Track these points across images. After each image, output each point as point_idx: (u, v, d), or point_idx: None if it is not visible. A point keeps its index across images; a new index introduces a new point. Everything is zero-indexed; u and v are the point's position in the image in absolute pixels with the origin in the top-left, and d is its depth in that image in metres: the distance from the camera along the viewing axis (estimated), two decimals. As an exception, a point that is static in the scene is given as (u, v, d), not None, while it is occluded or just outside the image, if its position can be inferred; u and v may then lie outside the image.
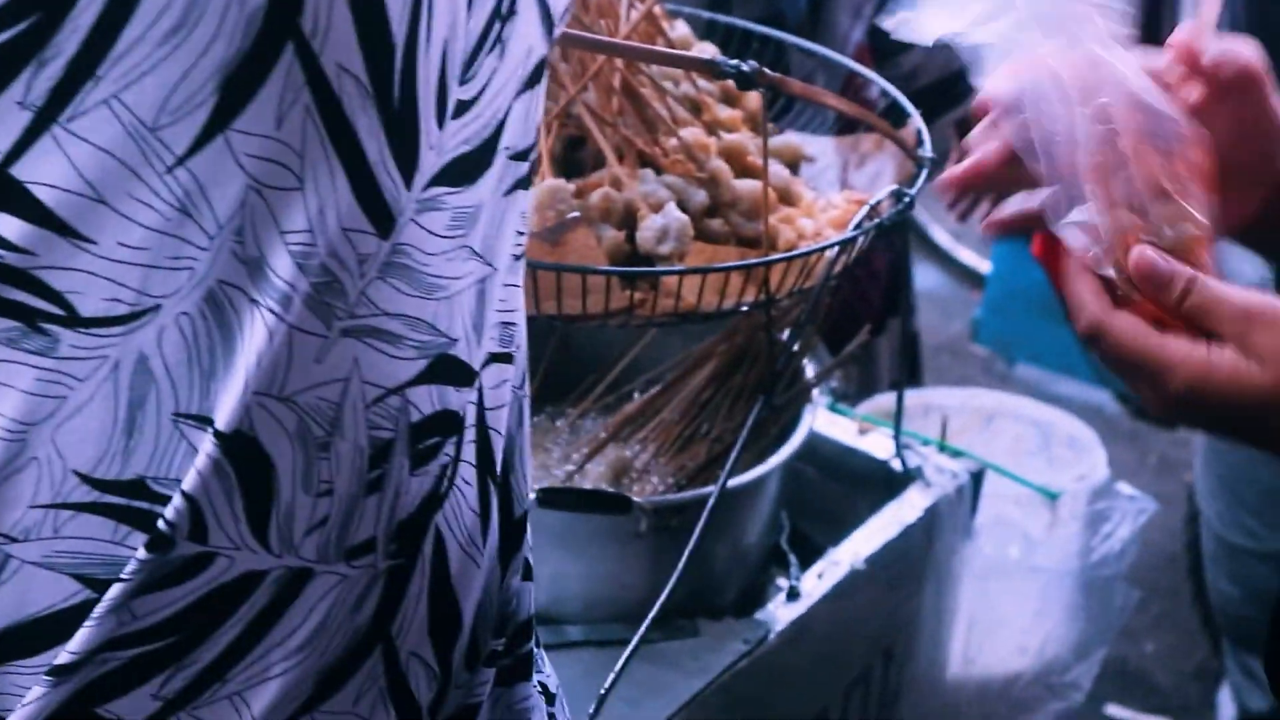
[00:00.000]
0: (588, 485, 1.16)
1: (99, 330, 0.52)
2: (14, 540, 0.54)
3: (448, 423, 0.61)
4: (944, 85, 1.71)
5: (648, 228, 0.89)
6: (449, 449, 0.62)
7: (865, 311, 1.56)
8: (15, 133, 0.49)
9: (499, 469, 0.66)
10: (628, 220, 0.91)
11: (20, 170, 0.49)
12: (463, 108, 0.54)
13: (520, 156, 0.59)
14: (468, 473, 0.64)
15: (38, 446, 0.53)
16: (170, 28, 0.48)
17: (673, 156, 0.97)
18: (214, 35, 0.48)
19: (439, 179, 0.55)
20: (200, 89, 0.49)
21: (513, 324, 0.64)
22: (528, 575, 0.71)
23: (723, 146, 0.97)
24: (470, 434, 0.63)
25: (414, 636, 0.63)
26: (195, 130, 0.49)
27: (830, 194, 1.05)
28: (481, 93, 0.55)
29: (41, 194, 0.50)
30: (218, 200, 0.50)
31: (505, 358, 0.64)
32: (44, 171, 0.50)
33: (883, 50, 1.69)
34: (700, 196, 0.94)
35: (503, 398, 0.64)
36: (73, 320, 0.52)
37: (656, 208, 0.90)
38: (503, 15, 0.55)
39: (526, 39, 0.56)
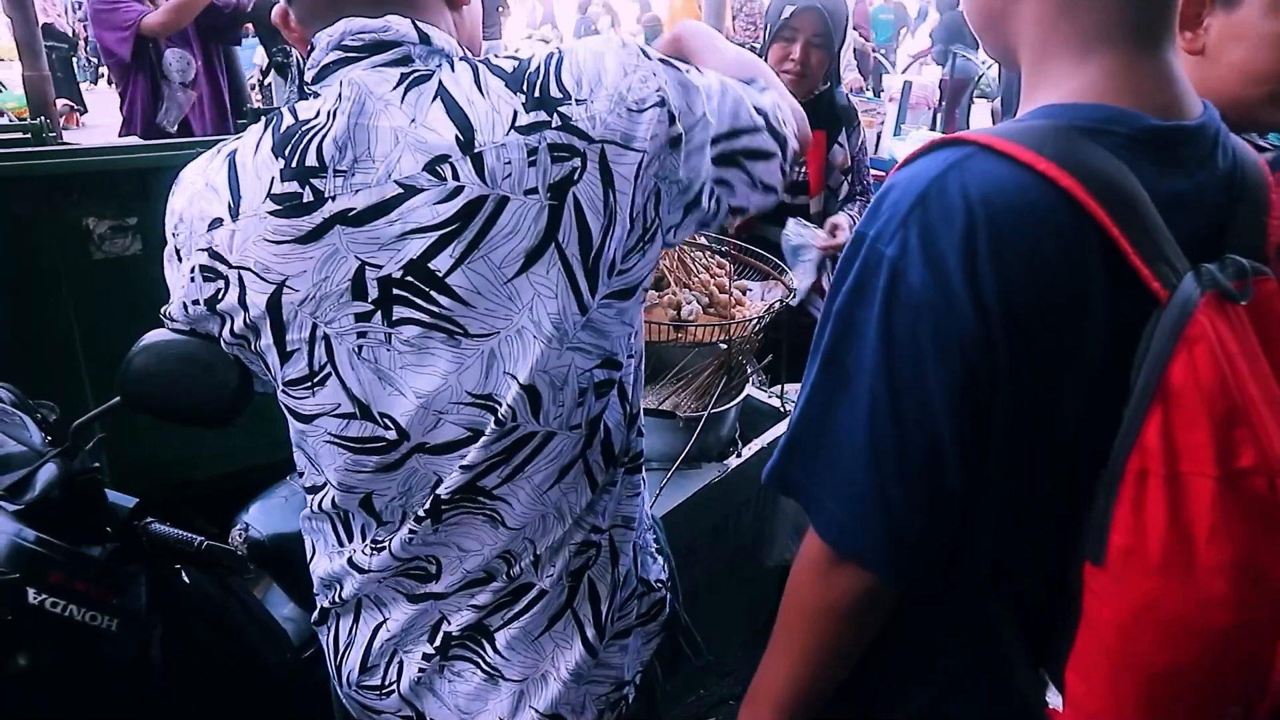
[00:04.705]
0: (664, 407, 1.89)
1: (477, 339, 0.86)
2: (442, 413, 0.89)
3: (609, 383, 0.95)
4: None
5: (685, 309, 2.00)
6: (610, 392, 0.97)
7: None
8: (449, 261, 0.83)
9: (630, 399, 1.01)
10: (677, 306, 1.99)
11: (449, 279, 0.84)
12: (622, 272, 0.89)
13: (646, 288, 0.96)
14: (618, 401, 0.99)
15: (451, 381, 0.87)
16: (510, 231, 0.83)
17: (695, 285, 2.08)
18: (525, 236, 0.83)
19: (607, 297, 0.89)
20: (519, 256, 0.83)
21: (636, 345, 0.99)
22: (639, 435, 1.06)
23: (716, 282, 2.12)
24: (618, 387, 0.98)
25: (595, 455, 0.99)
26: (515, 270, 0.84)
27: (755, 301, 2.13)
28: (633, 268, 0.91)
29: (454, 287, 0.84)
30: (523, 296, 0.85)
31: (632, 356, 0.99)
32: (453, 280, 0.84)
33: None
34: (705, 300, 2.04)
35: (631, 370, 1.00)
36: (466, 334, 0.87)
37: (689, 302, 2.00)
38: (645, 241, 0.88)
39: (655, 253, 0.93)
